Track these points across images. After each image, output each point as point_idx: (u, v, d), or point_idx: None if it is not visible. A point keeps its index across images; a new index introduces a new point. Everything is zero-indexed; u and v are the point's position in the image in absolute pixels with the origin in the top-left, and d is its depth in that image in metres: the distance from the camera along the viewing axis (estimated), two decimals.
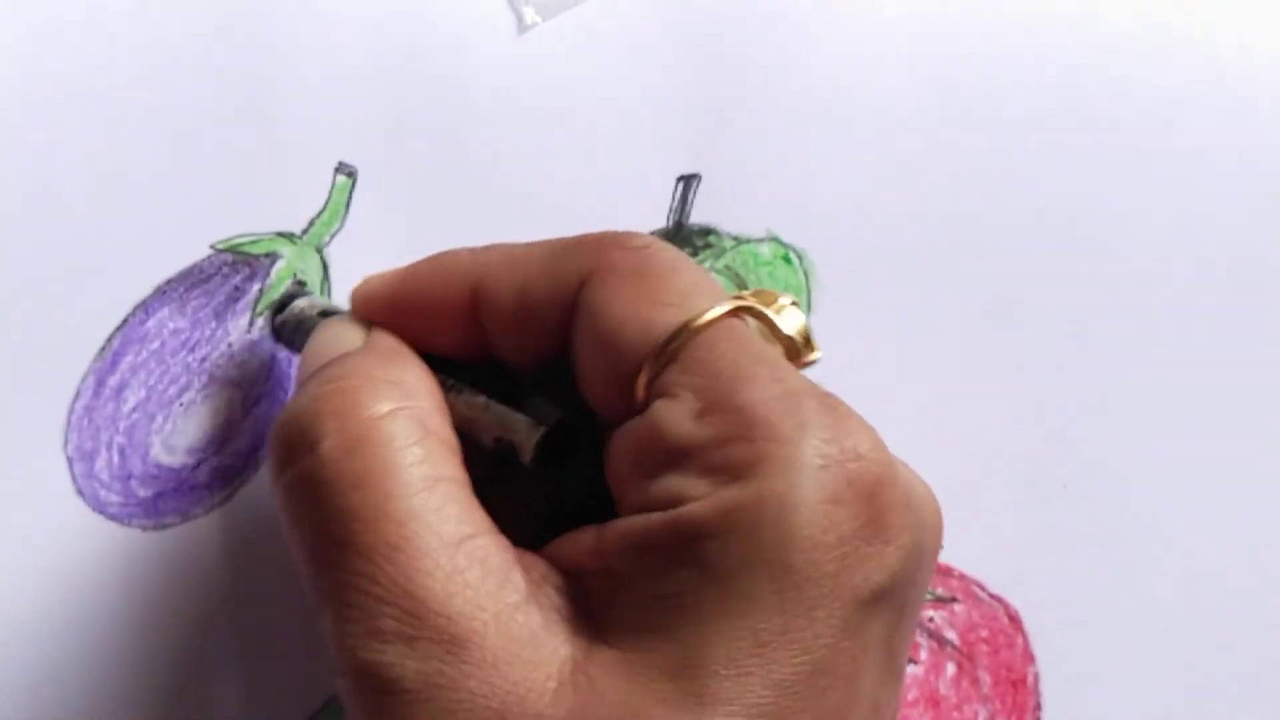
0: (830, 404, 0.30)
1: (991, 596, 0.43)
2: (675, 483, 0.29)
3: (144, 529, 0.39)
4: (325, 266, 0.41)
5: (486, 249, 0.35)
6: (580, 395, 0.33)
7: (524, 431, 0.33)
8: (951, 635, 0.43)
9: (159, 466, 0.40)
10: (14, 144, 0.39)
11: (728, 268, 0.43)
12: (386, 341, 0.34)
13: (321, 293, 0.41)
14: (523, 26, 0.42)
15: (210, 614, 0.39)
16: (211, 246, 0.40)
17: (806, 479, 0.28)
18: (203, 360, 0.40)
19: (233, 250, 0.40)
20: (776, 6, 0.44)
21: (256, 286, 0.40)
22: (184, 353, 0.40)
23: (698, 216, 0.43)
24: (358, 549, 0.29)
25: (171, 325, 0.40)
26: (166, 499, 0.39)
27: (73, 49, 0.40)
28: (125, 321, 0.40)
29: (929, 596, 0.43)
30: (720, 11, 0.43)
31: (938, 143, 0.44)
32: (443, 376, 0.34)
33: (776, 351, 0.31)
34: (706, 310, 0.30)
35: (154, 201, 0.40)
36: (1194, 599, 0.44)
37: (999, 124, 0.44)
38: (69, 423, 0.39)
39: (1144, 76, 0.45)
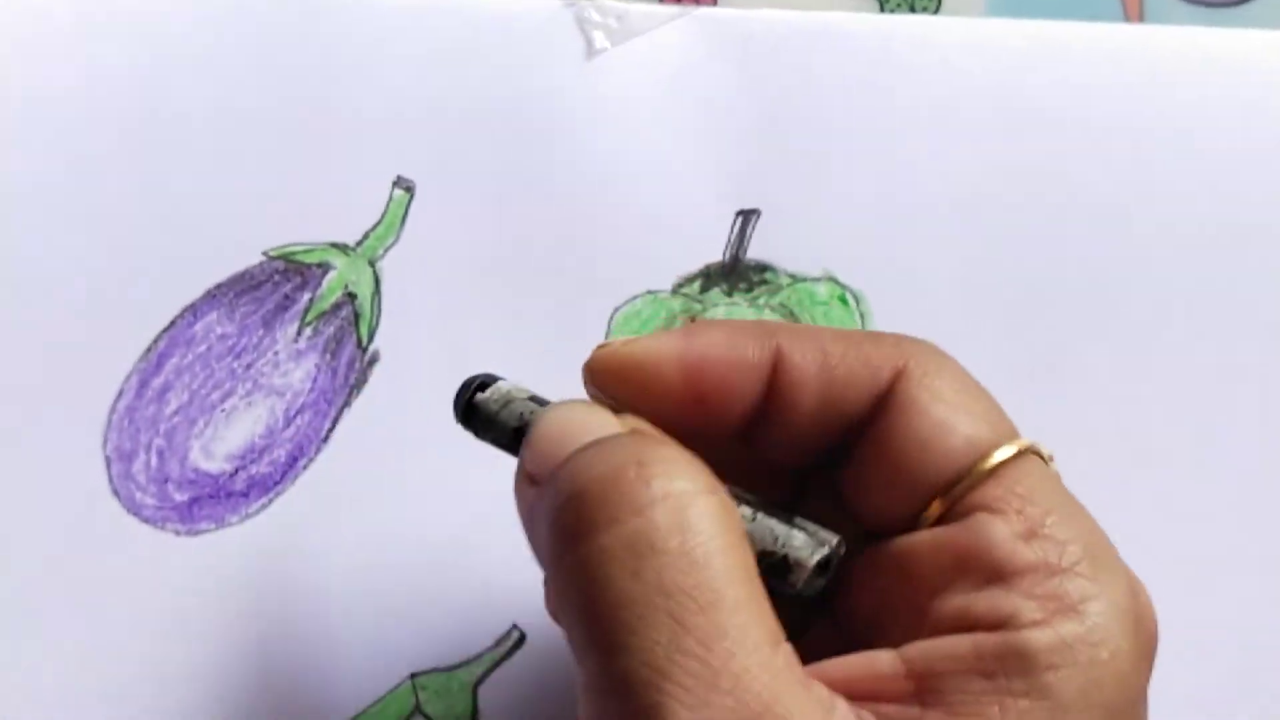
0: (1114, 549, 0.30)
1: None
2: (1003, 600, 0.29)
3: (177, 533, 0.39)
4: (377, 280, 0.40)
5: (764, 326, 0.32)
6: (845, 505, 0.31)
7: (802, 549, 0.30)
8: None
9: (196, 471, 0.39)
10: (74, 143, 0.39)
11: (783, 305, 0.42)
12: (648, 429, 0.31)
13: (372, 306, 0.40)
14: (592, 51, 0.42)
15: (236, 623, 0.39)
16: (264, 253, 0.40)
17: (1126, 622, 0.29)
18: (248, 367, 0.40)
19: (285, 258, 0.40)
20: (845, 46, 0.43)
21: (307, 296, 0.40)
22: (229, 358, 0.40)
23: (755, 252, 0.42)
24: (692, 630, 0.27)
25: (219, 330, 0.40)
26: (202, 505, 0.39)
27: (137, 53, 0.40)
28: (173, 323, 0.39)
29: None
30: (789, 48, 0.43)
31: (999, 195, 0.43)
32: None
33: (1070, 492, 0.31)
34: (1015, 434, 0.31)
35: (209, 205, 0.40)
36: (1227, 660, 0.43)
37: (1062, 179, 0.44)
38: (109, 422, 0.39)
39: (1199, 140, 0.45)
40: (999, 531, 0.29)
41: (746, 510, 0.31)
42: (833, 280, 0.43)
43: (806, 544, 0.31)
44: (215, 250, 0.40)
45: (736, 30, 0.43)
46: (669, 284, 0.42)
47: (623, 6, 0.43)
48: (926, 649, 0.29)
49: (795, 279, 0.43)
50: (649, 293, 0.42)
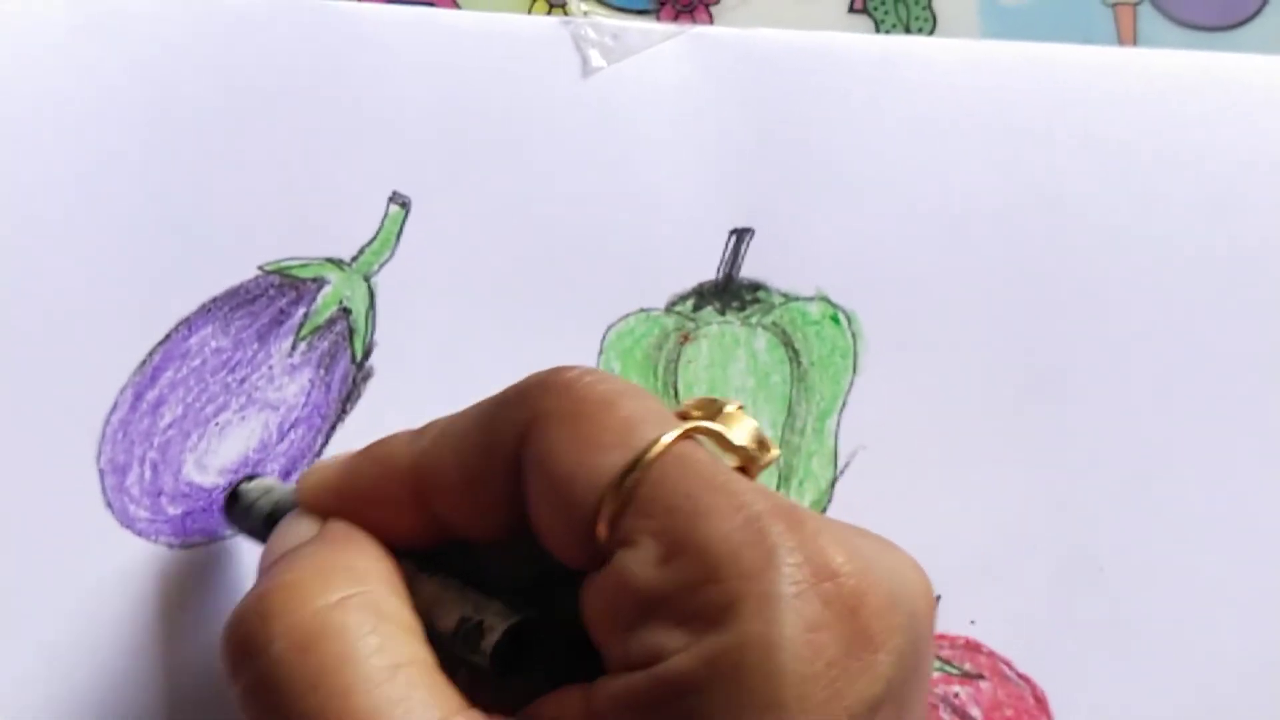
0: (795, 521, 0.28)
1: (1019, 675, 0.43)
2: (651, 636, 0.28)
3: (170, 546, 0.39)
4: (372, 295, 0.41)
5: (421, 432, 0.33)
6: (548, 555, 0.31)
7: (493, 614, 0.31)
8: (976, 712, 0.42)
9: (190, 485, 0.39)
10: (69, 156, 0.39)
11: (775, 324, 0.42)
12: (338, 529, 0.33)
13: (366, 322, 0.41)
14: (587, 69, 0.42)
15: None
16: (259, 268, 0.40)
17: (784, 612, 0.27)
18: (242, 381, 0.40)
19: (281, 273, 0.40)
20: (840, 67, 0.43)
21: (301, 311, 0.40)
22: (224, 372, 0.40)
23: (748, 271, 0.43)
24: None
25: (214, 344, 0.40)
26: (195, 518, 0.39)
27: (133, 68, 0.40)
28: (168, 337, 0.39)
29: (955, 671, 0.42)
30: (784, 68, 0.43)
31: (993, 215, 0.44)
32: (405, 562, 0.33)
33: (730, 468, 0.30)
34: (652, 442, 0.29)
35: (204, 219, 0.40)
36: (1227, 692, 0.43)
37: (1056, 199, 0.44)
38: (103, 435, 0.39)
39: (1192, 162, 0.45)
40: (634, 564, 0.28)
41: (453, 583, 0.32)
42: (825, 300, 0.43)
43: (502, 610, 0.31)
44: (210, 264, 0.40)
45: (732, 50, 0.43)
46: (662, 302, 0.42)
47: (619, 25, 0.43)
48: (599, 689, 0.29)
49: (788, 298, 0.43)
50: (642, 310, 0.42)
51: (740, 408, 0.31)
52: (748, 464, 0.31)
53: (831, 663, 0.27)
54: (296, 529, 0.33)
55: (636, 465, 0.29)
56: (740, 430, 0.31)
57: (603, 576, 0.29)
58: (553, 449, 0.30)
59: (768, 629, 0.27)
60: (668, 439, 0.29)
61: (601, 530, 0.29)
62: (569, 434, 0.30)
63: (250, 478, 0.37)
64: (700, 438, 0.30)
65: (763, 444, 0.31)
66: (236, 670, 0.29)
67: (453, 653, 0.31)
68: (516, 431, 0.31)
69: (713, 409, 0.31)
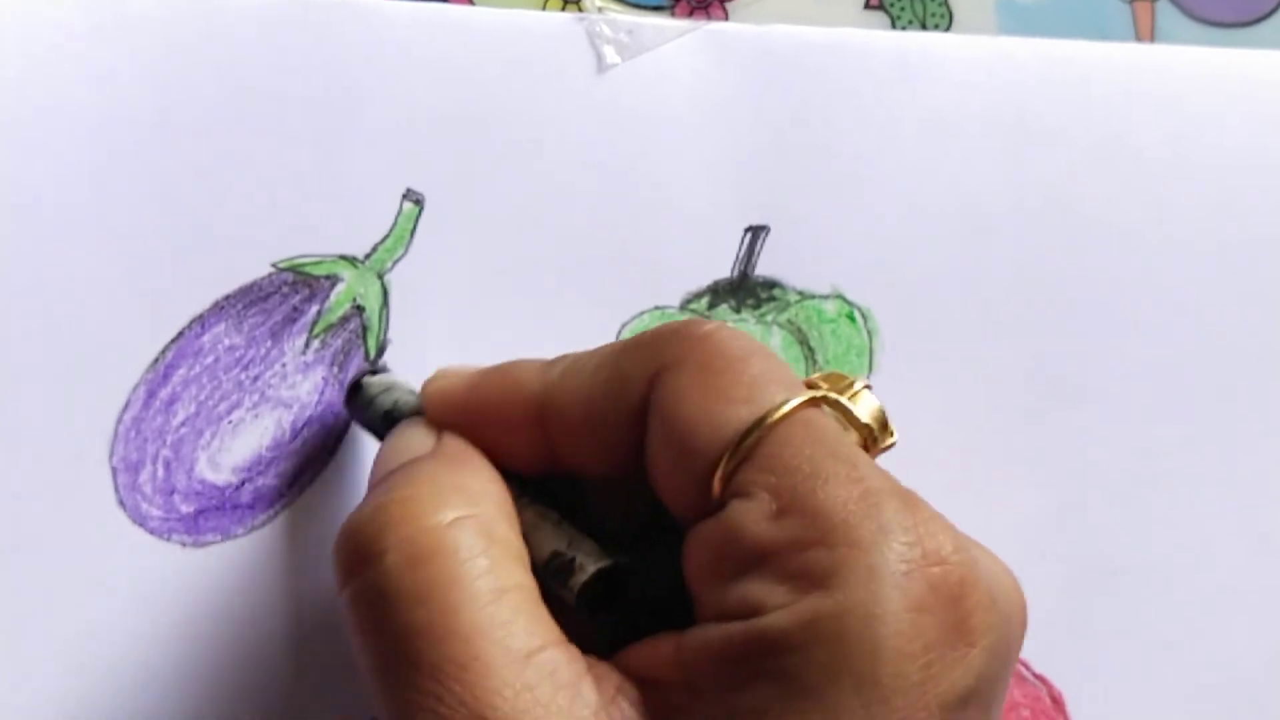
0: (911, 503, 0.29)
1: (1035, 676, 0.43)
2: (754, 589, 0.28)
3: (183, 545, 0.39)
4: (385, 292, 0.40)
5: (552, 362, 0.33)
6: (654, 501, 0.31)
7: (586, 553, 0.32)
8: None
9: (203, 483, 0.39)
10: (82, 153, 0.39)
11: (790, 322, 0.42)
12: (455, 446, 0.33)
13: (380, 319, 0.40)
14: (602, 66, 0.42)
15: (241, 635, 0.39)
16: (273, 265, 0.40)
17: (890, 587, 0.27)
18: (255, 379, 0.40)
19: (294, 270, 0.40)
20: (856, 63, 0.43)
21: (315, 308, 0.40)
22: (237, 370, 0.40)
23: (764, 269, 0.42)
24: (424, 667, 0.28)
25: (227, 341, 0.40)
26: (208, 516, 0.39)
27: (145, 65, 0.40)
28: (181, 335, 0.39)
29: None
30: (800, 64, 0.43)
31: (1010, 212, 0.44)
32: (513, 484, 0.33)
33: (853, 442, 0.30)
34: (780, 403, 0.29)
35: (217, 216, 0.40)
36: (1242, 694, 0.43)
37: (1073, 196, 0.44)
38: (116, 433, 0.39)
39: (1209, 159, 0.45)
40: (746, 516, 0.29)
41: (551, 512, 0.32)
42: (841, 297, 0.43)
43: (595, 551, 0.32)
44: (223, 262, 0.40)
45: (747, 46, 0.43)
46: (677, 299, 0.42)
47: (634, 21, 0.42)
48: (692, 638, 0.29)
49: (803, 296, 0.43)
50: (657, 308, 0.42)
51: (868, 386, 0.32)
52: (868, 442, 0.31)
53: (929, 646, 0.27)
54: (414, 438, 0.34)
55: (761, 423, 0.29)
56: (865, 408, 0.31)
57: (712, 524, 0.29)
58: (681, 396, 0.30)
59: (872, 601, 0.27)
60: (795, 402, 0.29)
61: (717, 483, 0.29)
62: (698, 383, 0.30)
63: (374, 371, 0.38)
64: (825, 408, 0.31)
65: (885, 426, 0.32)
66: (348, 576, 0.30)
67: (544, 582, 0.31)
68: (646, 375, 0.31)
69: (841, 384, 0.32)
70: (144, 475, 0.39)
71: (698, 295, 0.42)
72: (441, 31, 0.42)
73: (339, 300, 0.40)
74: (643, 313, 0.42)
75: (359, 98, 0.41)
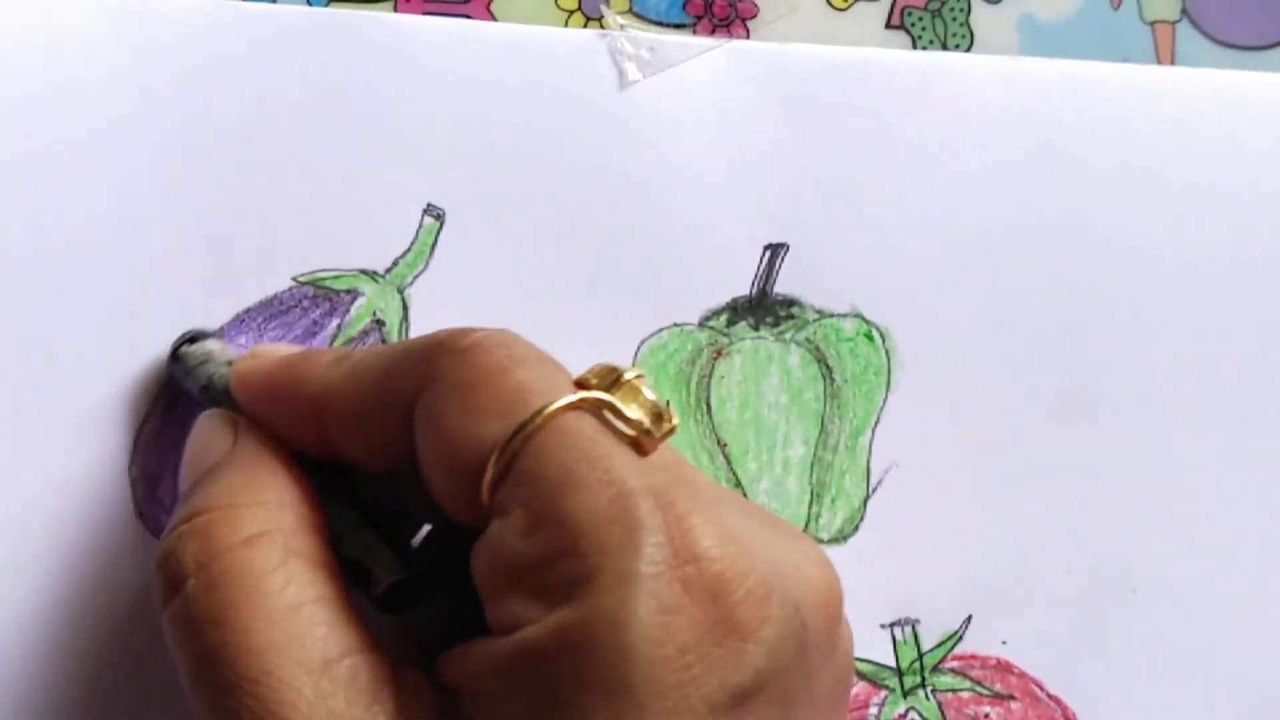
0: (666, 500, 0.28)
1: (1050, 697, 0.42)
2: (514, 605, 0.28)
3: None
4: (406, 307, 0.41)
5: (342, 358, 0.33)
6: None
7: (383, 565, 0.32)
8: None
9: None
10: (104, 166, 0.39)
11: (808, 340, 0.42)
12: (252, 447, 0.33)
13: (400, 334, 0.40)
14: (624, 82, 0.42)
15: None
16: (294, 279, 0.40)
17: (637, 591, 0.27)
18: None
19: (315, 284, 0.40)
20: (876, 83, 0.43)
21: (335, 322, 0.40)
22: None
23: (782, 287, 0.42)
24: (223, 686, 0.29)
25: None
26: None
27: (166, 77, 0.40)
28: None
29: (986, 692, 0.42)
30: (821, 84, 0.43)
31: (1028, 233, 0.43)
32: (317, 476, 0.33)
33: (614, 443, 0.29)
34: (535, 413, 0.29)
35: (239, 229, 0.40)
36: (1264, 711, 0.43)
37: (1092, 217, 0.44)
38: (136, 445, 0.39)
39: (1228, 181, 0.45)
40: (504, 534, 0.29)
41: (353, 517, 0.33)
42: (859, 316, 0.43)
43: (391, 563, 0.32)
44: (245, 275, 0.40)
45: (769, 64, 0.43)
46: (695, 317, 0.42)
47: (656, 38, 0.43)
48: (474, 650, 0.29)
49: (822, 314, 0.43)
50: (675, 325, 0.42)
51: (639, 377, 0.31)
52: (642, 438, 0.30)
53: (685, 647, 0.27)
54: (213, 437, 0.34)
55: (517, 434, 0.29)
56: (634, 402, 0.30)
57: (482, 542, 0.29)
58: (440, 414, 0.30)
59: (619, 607, 0.27)
60: (550, 409, 0.29)
61: (485, 497, 0.29)
62: (457, 401, 0.30)
63: (195, 338, 0.38)
64: (590, 411, 0.30)
65: (660, 416, 0.30)
66: (162, 603, 0.31)
67: (350, 581, 0.32)
68: (412, 389, 0.31)
69: (610, 378, 0.31)
70: (164, 487, 0.39)
71: (716, 312, 0.42)
72: (464, 47, 0.42)
73: (359, 314, 0.40)
74: (661, 329, 0.42)
75: (381, 112, 0.41)
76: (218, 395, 0.36)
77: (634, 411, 0.30)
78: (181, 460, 0.35)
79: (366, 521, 0.33)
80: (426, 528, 0.34)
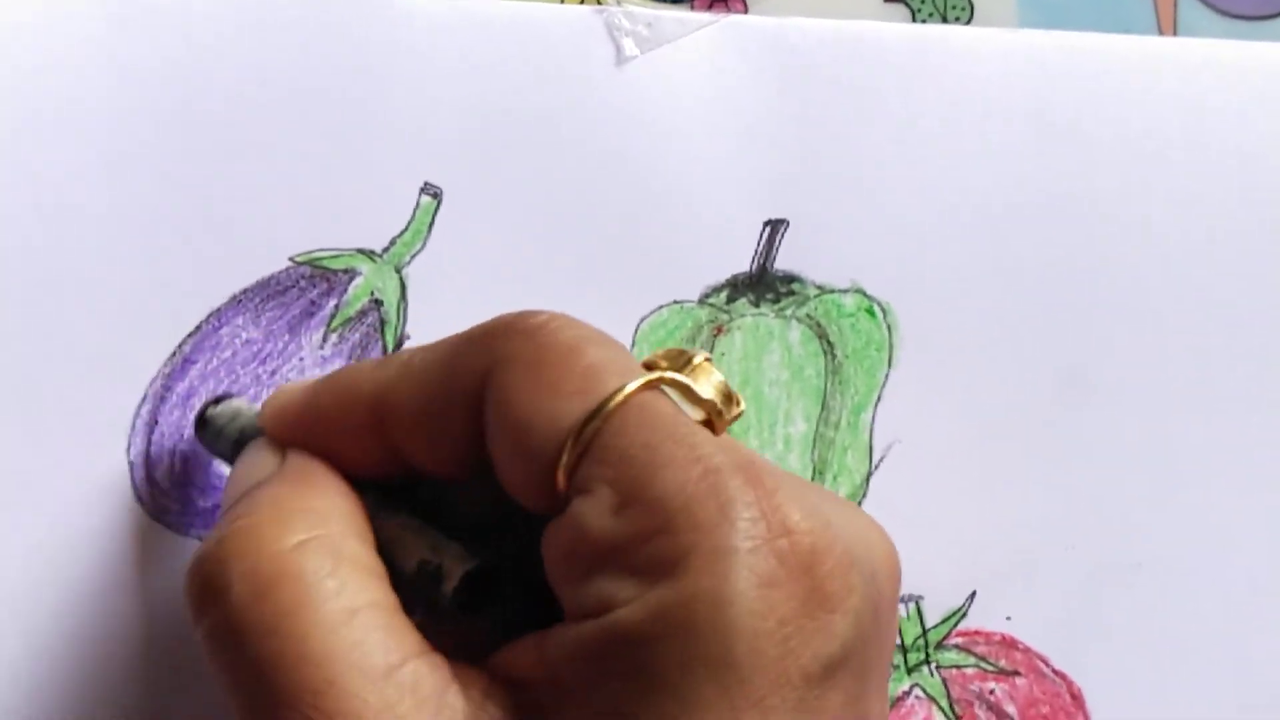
0: (754, 476, 0.28)
1: (1055, 672, 0.42)
2: (603, 586, 0.28)
3: (200, 539, 0.39)
4: (404, 286, 0.40)
5: (385, 362, 0.33)
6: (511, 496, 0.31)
7: (452, 557, 0.31)
8: (1011, 709, 0.42)
9: (221, 477, 0.39)
10: (100, 146, 0.39)
11: (809, 316, 0.42)
12: (300, 464, 0.33)
13: (398, 313, 0.40)
14: (621, 58, 0.42)
15: None
16: (290, 259, 0.40)
17: (736, 567, 0.27)
18: (273, 373, 0.40)
19: (312, 264, 0.40)
20: (876, 56, 0.43)
21: (333, 302, 0.40)
22: (254, 364, 0.40)
23: (783, 263, 0.42)
24: (282, 698, 0.28)
25: (244, 335, 0.39)
26: None
27: (164, 57, 0.40)
28: (198, 328, 0.39)
29: (991, 668, 0.42)
30: (819, 57, 0.43)
31: (1030, 206, 0.43)
32: (369, 496, 0.32)
33: (692, 422, 0.29)
34: (615, 391, 0.29)
35: (235, 210, 0.40)
36: (1264, 690, 0.43)
37: (1094, 190, 0.44)
38: (134, 427, 0.39)
39: (1231, 152, 0.44)
40: (589, 513, 0.28)
41: (412, 520, 0.32)
42: (860, 292, 0.42)
43: (461, 554, 0.31)
44: (241, 255, 0.40)
45: (767, 39, 0.43)
46: (695, 294, 0.42)
47: (653, 13, 0.42)
48: (553, 637, 0.28)
49: (823, 290, 0.42)
50: (675, 302, 0.42)
51: (708, 359, 0.31)
52: (713, 417, 0.30)
53: (784, 620, 0.27)
54: (257, 462, 0.33)
55: (597, 414, 0.28)
56: (707, 383, 0.30)
57: (560, 524, 0.29)
58: (514, 394, 0.29)
59: (719, 583, 0.27)
60: (630, 388, 0.29)
61: (560, 478, 0.29)
62: (531, 380, 0.29)
63: (219, 400, 0.37)
64: (667, 389, 0.30)
65: (730, 398, 0.30)
66: (199, 614, 0.30)
67: (415, 591, 0.31)
68: (479, 373, 0.30)
69: (680, 361, 0.31)
70: (161, 469, 0.39)
71: (716, 289, 0.42)
72: (459, 24, 0.41)
73: (357, 294, 0.40)
74: (661, 307, 0.42)
75: (377, 90, 0.41)
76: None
77: (707, 392, 0.30)
78: (224, 491, 0.34)
79: (425, 525, 0.32)
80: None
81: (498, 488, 0.31)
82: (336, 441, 0.33)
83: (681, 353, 0.31)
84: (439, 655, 0.29)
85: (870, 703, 0.29)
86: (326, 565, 0.29)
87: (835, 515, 0.29)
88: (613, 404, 0.28)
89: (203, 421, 0.37)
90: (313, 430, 0.33)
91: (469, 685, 0.29)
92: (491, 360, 0.30)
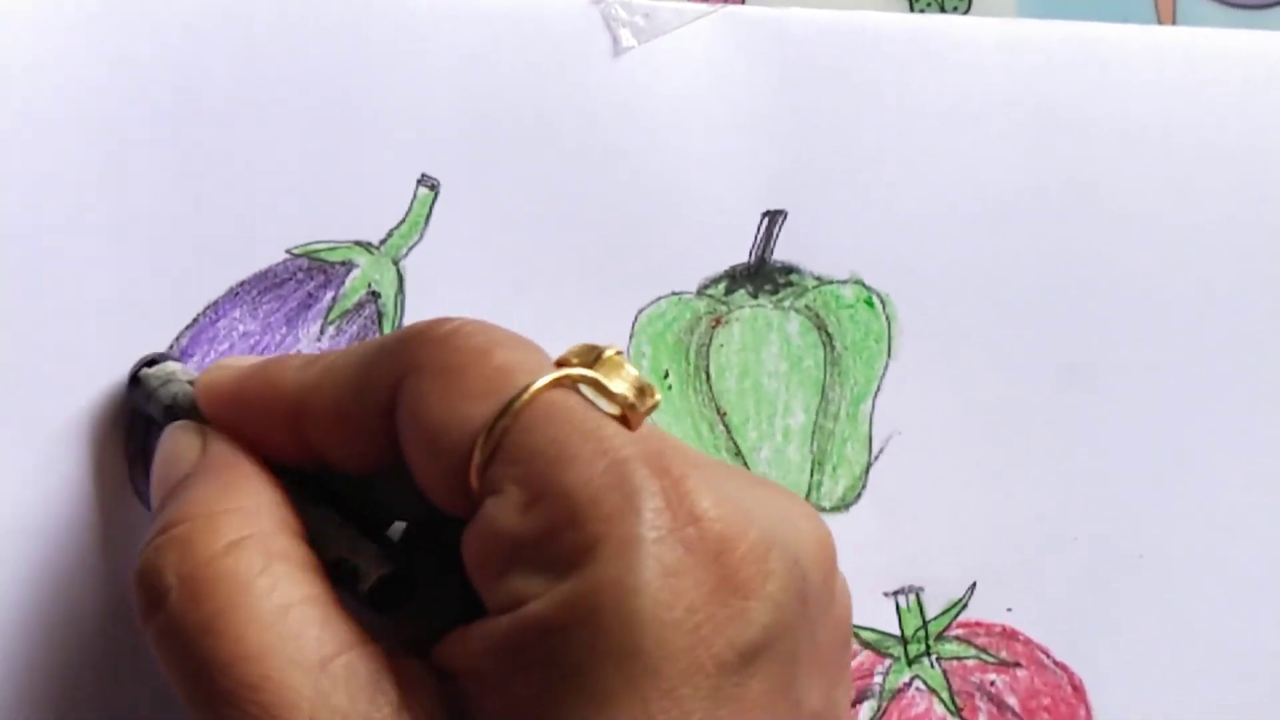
0: (661, 465, 0.28)
1: (1056, 664, 0.42)
2: (517, 582, 0.28)
3: None
4: (401, 278, 0.40)
5: (310, 362, 0.33)
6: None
7: (369, 559, 0.32)
8: (1012, 701, 0.42)
9: None
10: (96, 138, 0.39)
11: (808, 308, 0.42)
12: (222, 453, 0.33)
13: (395, 305, 0.40)
14: (618, 49, 0.42)
15: None
16: (288, 251, 0.40)
17: (642, 556, 0.27)
18: None
19: (309, 256, 0.40)
20: (874, 46, 0.43)
21: (330, 295, 0.40)
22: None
23: (781, 254, 0.42)
24: (222, 695, 0.29)
25: (241, 328, 0.39)
26: None
27: (160, 49, 0.40)
28: (195, 321, 0.39)
29: (992, 659, 0.42)
30: (818, 48, 0.43)
31: (1029, 197, 0.43)
32: (290, 482, 0.33)
33: (602, 416, 0.30)
34: (521, 391, 0.29)
35: (232, 202, 0.40)
36: (1266, 681, 0.43)
37: (1093, 180, 0.43)
38: (131, 421, 0.39)
39: (1231, 143, 0.44)
40: (500, 511, 0.29)
41: (331, 514, 0.33)
42: (859, 283, 0.42)
43: (377, 556, 0.32)
44: (238, 247, 0.40)
45: (764, 29, 0.43)
46: (694, 285, 0.42)
47: (650, 4, 0.42)
48: (474, 631, 0.29)
49: (821, 281, 0.42)
50: (673, 294, 0.42)
51: (619, 353, 0.31)
52: (627, 412, 0.30)
53: (693, 608, 0.27)
54: (181, 446, 0.34)
55: (505, 412, 0.29)
56: (619, 378, 0.31)
57: (475, 524, 0.29)
58: (425, 399, 0.30)
59: (624, 573, 0.27)
60: (537, 385, 0.29)
61: (474, 479, 0.29)
62: (441, 384, 0.30)
63: (154, 360, 0.38)
64: (575, 387, 0.30)
65: (643, 391, 0.31)
66: (144, 619, 0.31)
67: (335, 580, 0.32)
68: (391, 381, 0.31)
69: (590, 356, 0.31)
70: None
71: (714, 280, 0.42)
72: (455, 15, 0.41)
73: (354, 286, 0.40)
74: (659, 298, 0.42)
75: (373, 82, 0.41)
76: (183, 414, 0.36)
77: (618, 386, 0.30)
78: (152, 472, 0.35)
79: (346, 520, 0.33)
80: (401, 524, 0.35)
81: (409, 490, 0.31)
82: (259, 430, 0.33)
83: (592, 348, 0.31)
84: (375, 645, 0.30)
85: (802, 690, 0.29)
86: (258, 564, 0.30)
87: (755, 501, 0.30)
88: (520, 402, 0.29)
89: (135, 380, 0.38)
90: (239, 416, 0.34)
91: (403, 676, 0.29)
92: (404, 368, 0.31)
